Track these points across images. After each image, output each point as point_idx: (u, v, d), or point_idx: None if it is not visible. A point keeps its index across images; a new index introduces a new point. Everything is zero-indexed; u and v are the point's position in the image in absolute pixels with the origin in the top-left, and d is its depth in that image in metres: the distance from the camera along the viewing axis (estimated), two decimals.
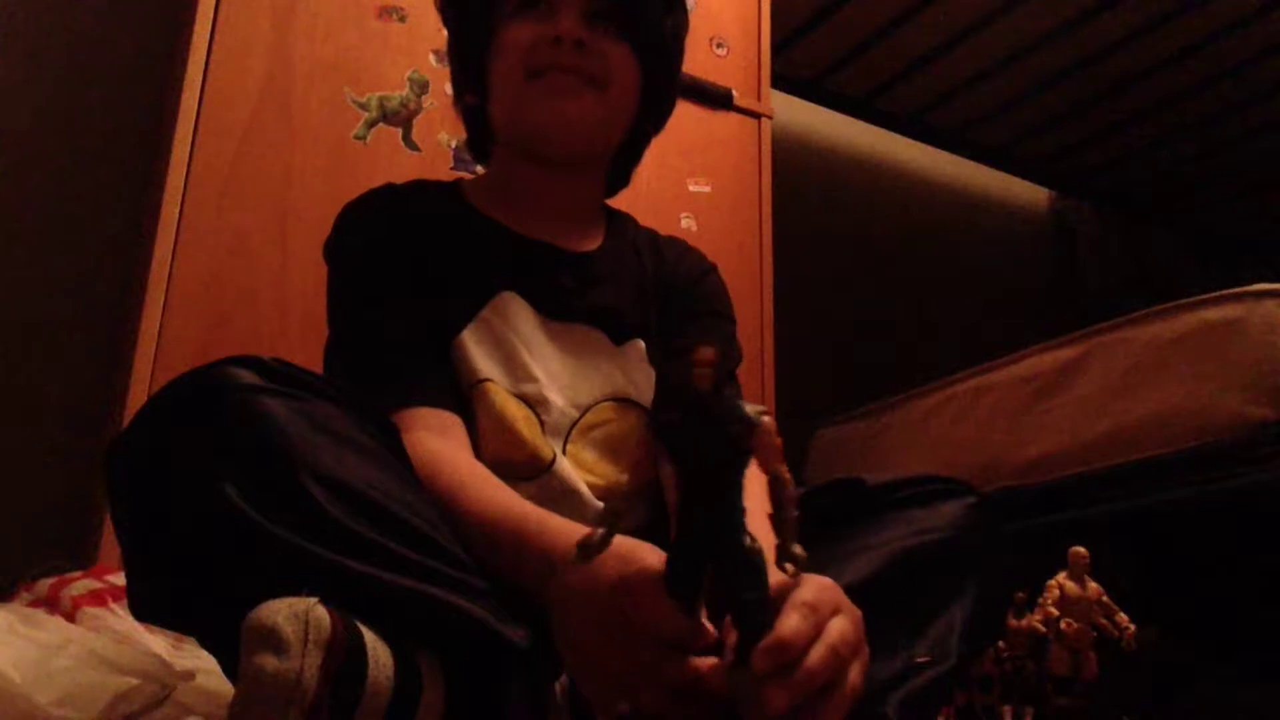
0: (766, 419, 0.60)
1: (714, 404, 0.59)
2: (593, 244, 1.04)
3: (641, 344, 1.00)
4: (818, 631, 0.60)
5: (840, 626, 0.61)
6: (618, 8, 0.97)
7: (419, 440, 0.82)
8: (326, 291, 0.97)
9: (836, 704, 0.60)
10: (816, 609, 0.61)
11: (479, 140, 1.06)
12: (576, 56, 0.94)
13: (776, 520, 0.61)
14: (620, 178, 1.09)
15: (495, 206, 1.02)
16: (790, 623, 0.59)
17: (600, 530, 0.61)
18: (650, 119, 1.06)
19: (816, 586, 0.63)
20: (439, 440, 0.84)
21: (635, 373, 0.99)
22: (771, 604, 0.61)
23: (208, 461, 0.65)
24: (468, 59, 1.02)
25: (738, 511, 0.60)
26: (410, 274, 0.94)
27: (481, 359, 0.92)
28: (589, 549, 0.60)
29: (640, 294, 1.03)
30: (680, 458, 0.62)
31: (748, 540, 0.60)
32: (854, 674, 0.62)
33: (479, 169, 1.13)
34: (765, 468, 0.61)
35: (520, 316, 0.95)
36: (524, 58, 0.95)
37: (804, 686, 0.58)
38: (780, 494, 0.61)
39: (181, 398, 0.69)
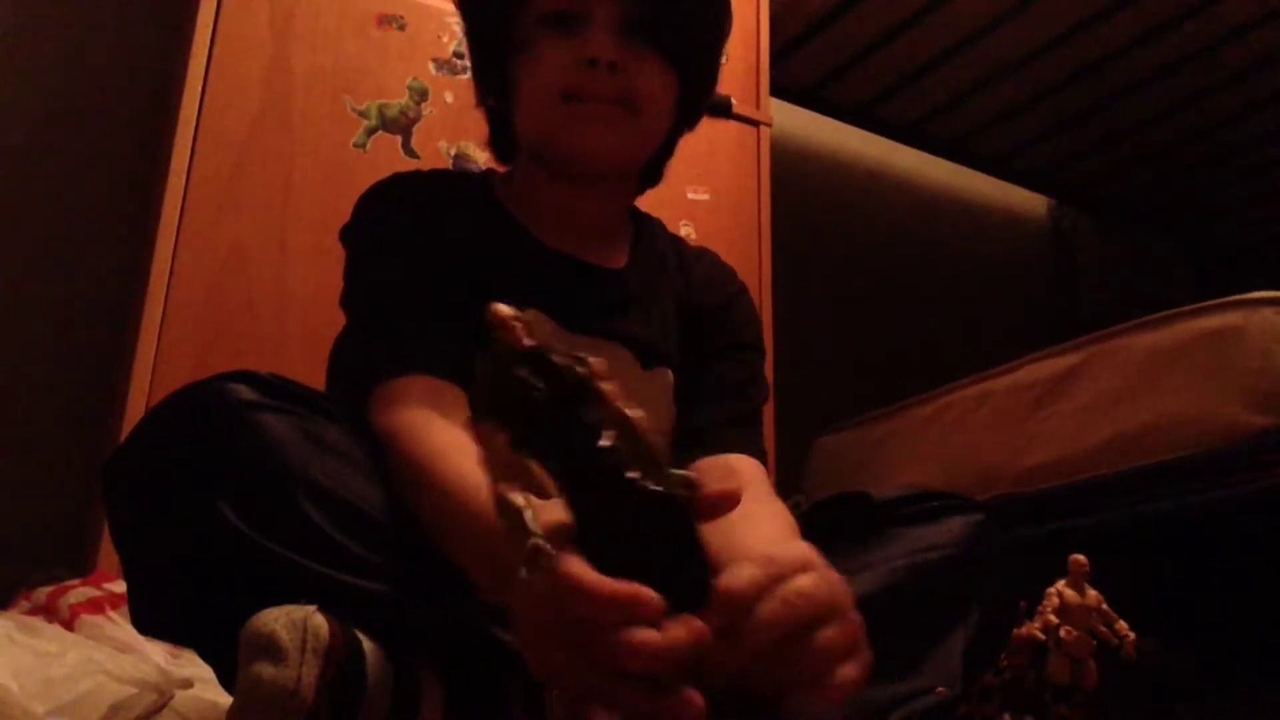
0: (594, 363, 0.53)
1: (518, 359, 0.51)
2: (620, 257, 0.99)
3: (669, 374, 0.95)
4: (774, 584, 0.53)
5: (804, 582, 0.55)
6: (655, 21, 0.89)
7: (400, 416, 0.76)
8: (344, 278, 0.92)
9: (801, 664, 0.53)
10: (775, 561, 0.55)
11: (502, 143, 1.01)
12: (610, 81, 0.88)
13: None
14: (652, 178, 1.03)
15: (521, 212, 0.97)
16: (743, 575, 0.53)
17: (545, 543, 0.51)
18: (687, 124, 1.01)
19: (787, 547, 0.58)
20: (423, 412, 0.76)
21: (658, 406, 0.93)
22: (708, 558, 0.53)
23: (204, 478, 0.66)
24: (489, 64, 0.96)
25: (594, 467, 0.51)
26: (433, 267, 0.88)
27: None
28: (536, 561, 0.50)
29: (665, 319, 0.97)
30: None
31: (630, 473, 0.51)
32: (827, 636, 0.54)
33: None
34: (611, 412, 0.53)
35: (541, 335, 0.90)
36: (558, 81, 0.88)
37: (753, 636, 0.51)
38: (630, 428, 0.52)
39: (179, 413, 0.69)
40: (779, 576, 0.54)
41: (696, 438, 0.92)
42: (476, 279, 0.89)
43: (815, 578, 0.55)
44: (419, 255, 0.88)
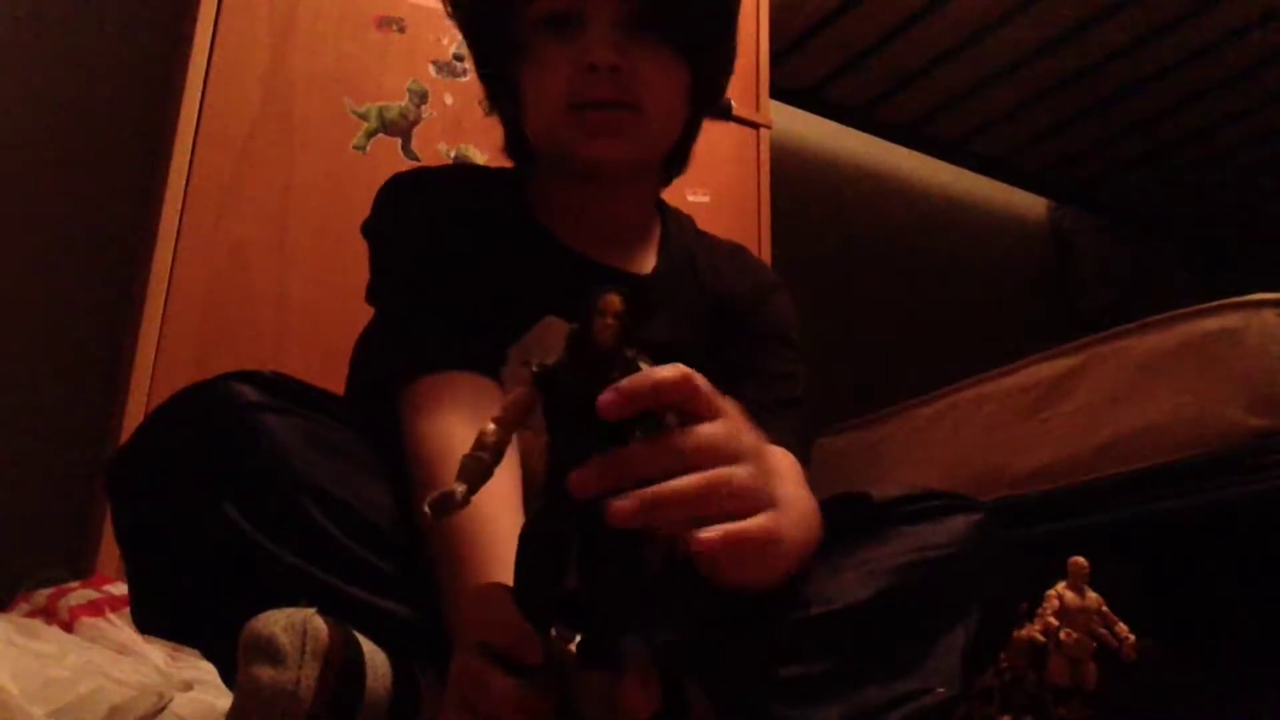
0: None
1: (614, 360, 0.51)
2: (648, 259, 0.96)
3: None
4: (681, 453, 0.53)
5: (708, 429, 0.54)
6: (656, 12, 0.85)
7: (430, 422, 0.74)
8: (370, 272, 0.90)
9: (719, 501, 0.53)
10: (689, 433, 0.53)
11: (517, 148, 0.98)
12: (613, 84, 0.84)
13: None
14: (677, 166, 0.99)
15: (547, 213, 0.93)
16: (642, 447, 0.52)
17: (461, 487, 0.52)
18: (706, 107, 0.96)
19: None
20: (455, 421, 0.74)
21: None
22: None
23: (208, 479, 0.65)
24: (492, 71, 0.94)
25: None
26: (460, 264, 0.86)
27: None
28: (444, 506, 0.51)
29: (696, 326, 0.94)
30: (557, 416, 0.53)
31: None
32: (740, 474, 0.54)
33: None
34: None
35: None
36: (562, 90, 0.85)
37: (660, 500, 0.50)
38: None
39: (183, 413, 0.69)
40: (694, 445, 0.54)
41: None
42: (502, 282, 0.87)
43: (720, 425, 0.55)
44: (447, 251, 0.86)
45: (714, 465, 0.54)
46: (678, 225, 1.02)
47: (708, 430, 0.55)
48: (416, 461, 0.72)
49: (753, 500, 0.56)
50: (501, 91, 0.94)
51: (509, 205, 0.94)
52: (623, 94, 0.85)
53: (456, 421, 0.73)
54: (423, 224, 0.89)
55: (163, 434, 0.69)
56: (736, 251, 1.05)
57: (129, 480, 0.70)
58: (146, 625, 0.75)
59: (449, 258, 0.86)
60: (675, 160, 0.98)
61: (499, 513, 0.67)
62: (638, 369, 0.51)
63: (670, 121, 0.92)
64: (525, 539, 0.55)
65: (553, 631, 0.55)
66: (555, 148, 0.91)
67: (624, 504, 0.50)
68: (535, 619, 0.53)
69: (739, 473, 0.55)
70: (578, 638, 0.56)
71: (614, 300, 0.50)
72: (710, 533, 0.52)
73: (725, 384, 0.91)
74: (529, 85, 0.89)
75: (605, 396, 0.49)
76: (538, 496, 0.54)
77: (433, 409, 0.75)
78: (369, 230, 0.92)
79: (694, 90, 0.92)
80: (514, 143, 0.98)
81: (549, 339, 0.85)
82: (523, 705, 0.52)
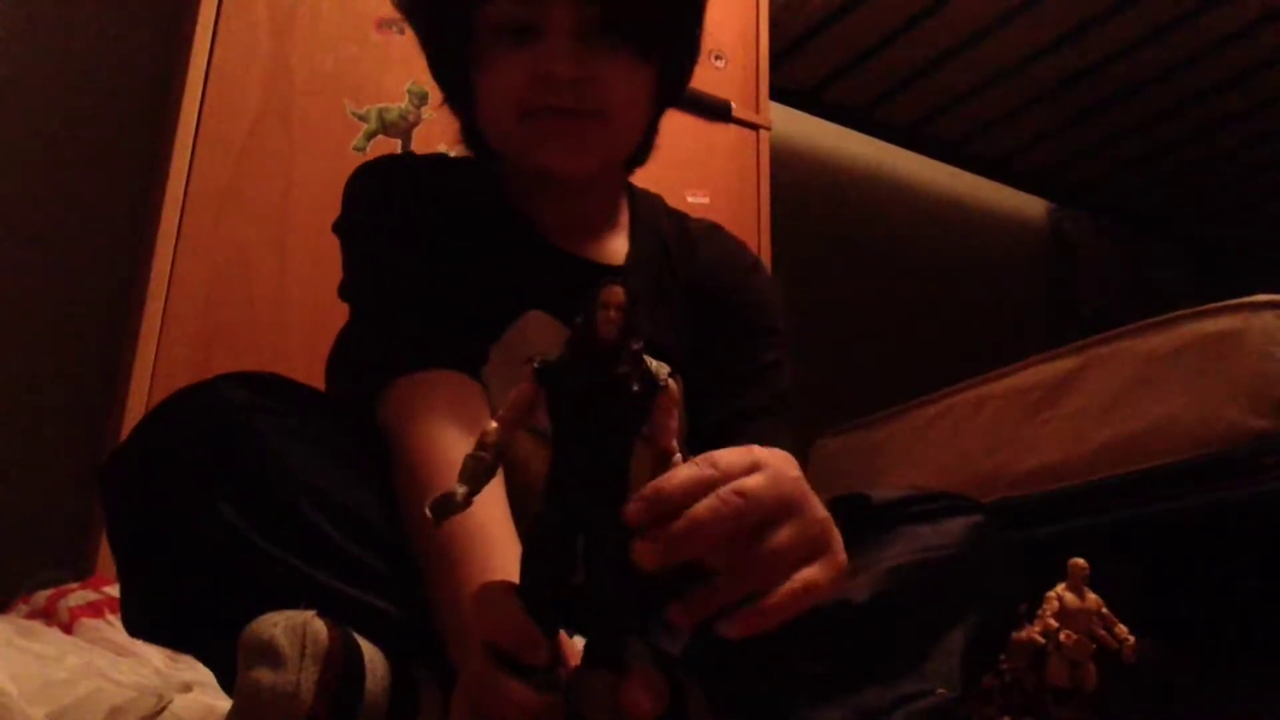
0: (672, 382, 0.53)
1: (618, 353, 0.50)
2: (619, 248, 0.94)
3: (678, 380, 0.90)
4: (714, 484, 0.52)
5: (749, 482, 0.53)
6: (616, 19, 0.82)
7: (417, 423, 0.73)
8: (343, 268, 0.89)
9: (752, 568, 0.53)
10: (716, 463, 0.53)
11: (475, 145, 0.95)
12: (572, 93, 0.82)
13: None
14: (640, 159, 0.96)
15: (520, 202, 0.92)
16: (678, 474, 0.52)
17: (462, 488, 0.52)
18: (671, 102, 0.93)
19: (731, 450, 0.55)
20: (442, 422, 0.73)
21: None
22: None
23: (204, 480, 0.65)
24: (445, 73, 0.93)
25: (620, 485, 0.52)
26: (438, 256, 0.84)
27: (504, 397, 0.83)
28: (446, 507, 0.51)
29: (675, 313, 0.92)
30: (561, 412, 0.52)
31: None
32: (778, 537, 0.54)
33: None
34: (657, 440, 0.53)
35: (546, 342, 0.83)
36: (516, 99, 0.83)
37: (683, 537, 0.50)
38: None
39: (177, 415, 0.69)
40: (717, 478, 0.53)
41: (715, 433, 0.88)
42: (478, 272, 0.86)
43: (764, 477, 0.55)
44: (421, 238, 0.85)
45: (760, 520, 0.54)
46: (648, 208, 1.00)
47: (754, 487, 0.54)
48: (405, 466, 0.72)
49: (775, 508, 0.55)
50: (454, 92, 0.92)
51: (482, 191, 0.92)
52: (587, 102, 0.83)
53: (443, 424, 0.72)
54: (395, 210, 0.87)
55: (158, 436, 0.69)
56: (711, 231, 1.03)
57: (123, 483, 0.70)
58: (138, 629, 0.74)
59: (424, 245, 0.85)
60: (640, 152, 0.96)
61: (488, 513, 0.66)
62: (643, 363, 0.51)
63: (634, 126, 0.90)
64: (530, 539, 0.54)
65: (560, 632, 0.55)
66: (513, 155, 0.89)
67: (648, 555, 0.50)
68: (541, 619, 0.53)
69: (759, 483, 0.54)
70: (577, 638, 0.56)
71: (617, 292, 0.49)
72: (729, 627, 0.52)
73: (708, 382, 0.91)
74: (482, 91, 0.87)
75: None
76: (537, 497, 0.54)
77: (417, 411, 0.74)
78: (342, 226, 0.91)
79: (659, 89, 0.90)
80: (471, 138, 0.95)
81: (530, 334, 0.85)
82: (530, 707, 0.51)
